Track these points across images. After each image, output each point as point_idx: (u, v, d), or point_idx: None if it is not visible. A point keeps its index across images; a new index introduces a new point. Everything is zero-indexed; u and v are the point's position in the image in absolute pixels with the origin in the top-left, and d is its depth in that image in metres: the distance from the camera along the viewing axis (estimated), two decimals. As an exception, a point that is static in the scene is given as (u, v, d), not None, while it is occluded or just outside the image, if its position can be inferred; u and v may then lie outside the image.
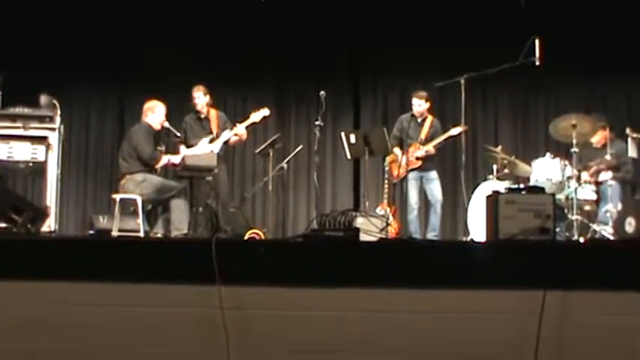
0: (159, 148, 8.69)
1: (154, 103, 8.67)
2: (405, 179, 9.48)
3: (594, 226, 8.25)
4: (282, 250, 3.96)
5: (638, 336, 3.61)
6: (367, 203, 9.26)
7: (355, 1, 11.02)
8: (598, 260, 3.75)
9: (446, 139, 9.43)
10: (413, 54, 10.92)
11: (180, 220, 8.13)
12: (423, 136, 9.50)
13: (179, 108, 9.88)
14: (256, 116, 9.17)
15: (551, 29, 9.19)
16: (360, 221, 6.32)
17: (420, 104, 9.54)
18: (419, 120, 9.60)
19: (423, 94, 9.58)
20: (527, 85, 10.91)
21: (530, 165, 8.84)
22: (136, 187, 8.22)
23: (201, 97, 9.13)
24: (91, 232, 9.59)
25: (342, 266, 3.78)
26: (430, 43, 10.91)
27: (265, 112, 9.22)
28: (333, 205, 10.92)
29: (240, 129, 9.06)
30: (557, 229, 6.30)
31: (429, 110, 9.66)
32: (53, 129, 8.15)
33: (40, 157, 8.06)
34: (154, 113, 8.60)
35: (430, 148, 9.36)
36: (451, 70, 8.99)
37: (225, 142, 8.99)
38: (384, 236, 6.51)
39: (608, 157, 8.46)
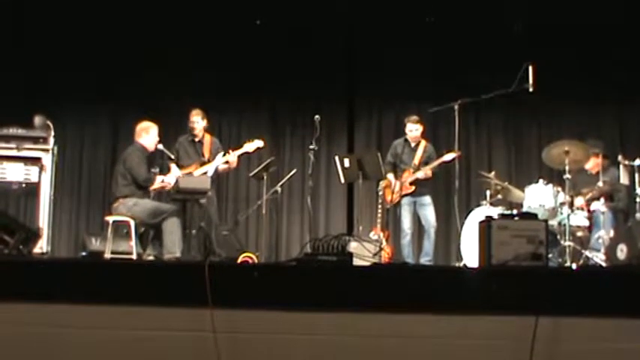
0: (153, 170, 8.67)
1: (147, 124, 8.63)
2: (398, 204, 9.49)
3: (586, 253, 8.25)
4: (275, 274, 3.95)
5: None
6: (361, 228, 9.26)
7: (350, 26, 11.08)
8: (590, 286, 3.75)
9: (439, 165, 9.45)
10: (407, 79, 10.97)
11: (172, 244, 8.06)
12: (416, 161, 9.51)
13: (173, 131, 9.90)
14: (250, 146, 9.19)
15: (544, 56, 9.23)
16: (353, 246, 6.32)
17: (416, 129, 9.56)
18: (412, 145, 9.62)
19: (416, 118, 9.61)
20: (521, 112, 10.95)
21: (523, 191, 8.86)
22: (128, 211, 8.18)
23: (199, 122, 9.14)
24: (84, 253, 9.56)
25: (335, 291, 3.78)
26: (425, 69, 10.98)
27: (259, 143, 9.23)
28: (326, 230, 10.90)
29: (232, 157, 9.06)
30: (550, 255, 6.32)
31: (422, 135, 9.68)
32: (47, 150, 8.15)
33: (33, 178, 8.06)
34: (148, 134, 8.56)
35: (428, 171, 9.37)
36: (445, 95, 9.03)
37: (216, 169, 8.98)
38: (377, 261, 6.52)
39: (600, 183, 8.48)
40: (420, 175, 9.37)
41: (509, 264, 4.07)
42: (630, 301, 3.67)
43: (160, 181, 8.55)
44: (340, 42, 11.27)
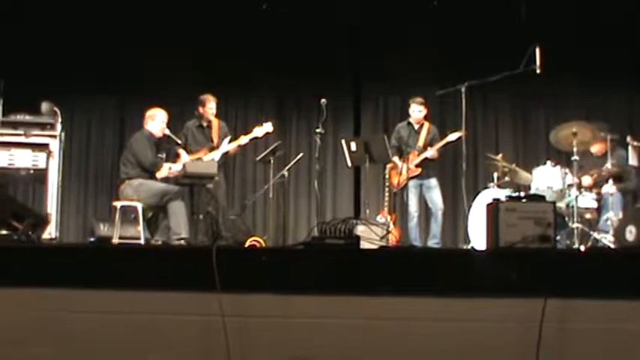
0: (159, 156, 8.69)
1: (154, 110, 8.67)
2: (405, 187, 9.49)
3: (595, 235, 8.24)
4: (283, 258, 3.95)
5: (639, 344, 3.61)
6: (368, 211, 9.27)
7: (356, 10, 11.03)
8: (598, 268, 3.74)
9: (444, 145, 9.45)
10: (414, 62, 10.94)
11: (177, 225, 8.09)
12: (421, 143, 9.52)
13: (180, 116, 9.91)
14: (259, 131, 9.21)
15: (551, 37, 9.19)
16: (360, 229, 6.31)
17: (420, 110, 9.59)
18: (416, 127, 9.63)
19: (421, 100, 9.65)
20: (528, 93, 10.91)
21: (530, 173, 8.84)
22: (134, 193, 8.23)
23: (214, 108, 9.17)
24: (92, 239, 9.59)
25: (342, 274, 3.78)
26: (431, 52, 10.93)
27: (269, 127, 9.24)
28: (333, 213, 10.92)
29: (243, 141, 9.09)
30: (558, 237, 6.31)
31: (427, 117, 9.69)
32: (54, 136, 8.19)
33: (41, 165, 8.09)
34: (154, 120, 8.61)
35: (434, 152, 9.38)
36: (452, 78, 9.01)
37: (226, 153, 9.01)
38: (384, 244, 6.52)
39: (609, 165, 8.46)
40: (429, 154, 9.38)
41: (516, 246, 4.06)
42: (639, 283, 3.66)
43: (168, 169, 8.57)
44: (346, 25, 11.22)
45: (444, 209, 9.62)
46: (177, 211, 8.13)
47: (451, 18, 10.73)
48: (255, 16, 10.85)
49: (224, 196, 9.20)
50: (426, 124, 9.66)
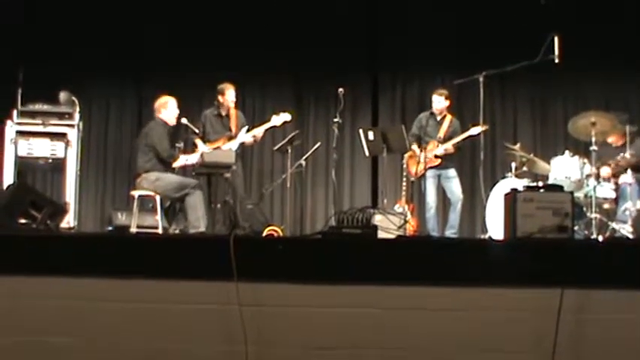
0: (177, 145, 8.68)
1: (165, 98, 8.61)
2: (423, 177, 9.47)
3: (613, 225, 8.19)
4: (300, 247, 3.96)
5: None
6: (385, 201, 9.26)
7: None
8: (616, 258, 3.73)
9: (465, 139, 9.40)
10: (432, 51, 10.90)
11: (195, 219, 8.06)
12: (441, 134, 9.47)
13: (197, 104, 9.93)
14: (277, 120, 9.19)
15: (570, 26, 9.13)
16: (378, 218, 6.33)
17: (439, 101, 9.53)
18: (438, 118, 9.58)
19: (444, 91, 9.59)
20: (547, 83, 10.84)
21: (549, 163, 8.80)
22: (150, 186, 8.20)
23: (233, 96, 9.16)
24: (110, 228, 9.63)
25: (359, 263, 3.78)
26: (449, 41, 10.88)
27: (286, 117, 9.22)
28: (351, 203, 10.90)
29: (259, 131, 9.08)
30: (576, 228, 6.28)
31: (449, 109, 9.64)
32: (72, 125, 8.24)
33: (60, 154, 8.15)
34: (167, 109, 8.54)
35: (449, 146, 9.34)
36: (470, 67, 8.98)
37: (243, 142, 9.01)
38: (402, 234, 6.53)
39: (627, 155, 8.40)
40: (440, 152, 9.32)
41: (534, 236, 4.05)
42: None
43: (185, 160, 8.56)
44: (363, 14, 11.20)
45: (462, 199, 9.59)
46: (196, 205, 8.10)
47: (470, 6, 10.67)
48: (273, 4, 10.82)
49: (242, 186, 9.21)
50: (449, 116, 9.60)
